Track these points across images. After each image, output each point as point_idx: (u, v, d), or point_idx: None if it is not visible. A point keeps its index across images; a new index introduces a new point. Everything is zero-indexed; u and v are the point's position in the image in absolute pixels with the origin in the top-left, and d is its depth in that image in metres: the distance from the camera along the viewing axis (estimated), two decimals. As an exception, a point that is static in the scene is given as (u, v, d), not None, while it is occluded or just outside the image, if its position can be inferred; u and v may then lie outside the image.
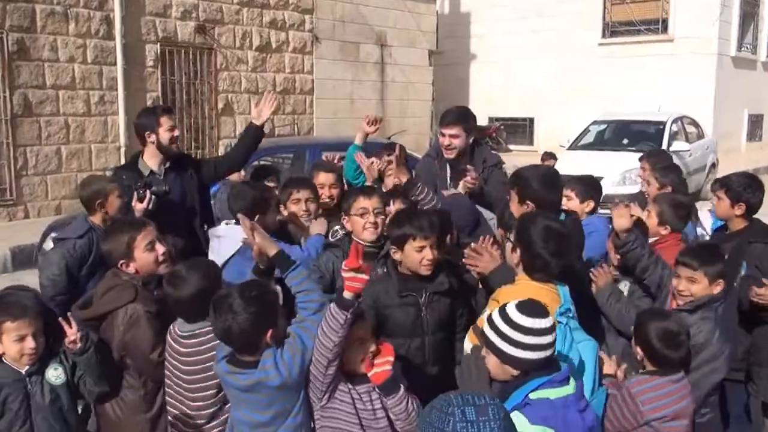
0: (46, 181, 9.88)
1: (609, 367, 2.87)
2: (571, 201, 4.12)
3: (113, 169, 8.85)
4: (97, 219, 3.67)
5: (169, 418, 2.85)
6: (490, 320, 2.21)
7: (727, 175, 4.03)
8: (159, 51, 11.00)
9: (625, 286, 3.48)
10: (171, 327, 2.85)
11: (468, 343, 2.67)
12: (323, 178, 4.00)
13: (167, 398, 2.84)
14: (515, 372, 2.17)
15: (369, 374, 2.47)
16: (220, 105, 11.96)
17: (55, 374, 2.76)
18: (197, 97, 11.69)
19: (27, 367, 2.69)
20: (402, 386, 2.50)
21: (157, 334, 2.87)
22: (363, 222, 3.20)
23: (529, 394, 2.13)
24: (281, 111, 12.96)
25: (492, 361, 2.21)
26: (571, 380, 2.22)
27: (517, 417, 2.04)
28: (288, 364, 2.39)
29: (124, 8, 10.34)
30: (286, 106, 13.11)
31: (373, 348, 2.50)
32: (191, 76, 11.56)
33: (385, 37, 15.05)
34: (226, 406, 2.71)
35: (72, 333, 2.68)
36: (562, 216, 3.27)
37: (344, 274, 2.35)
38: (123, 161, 9.96)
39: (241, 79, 12.30)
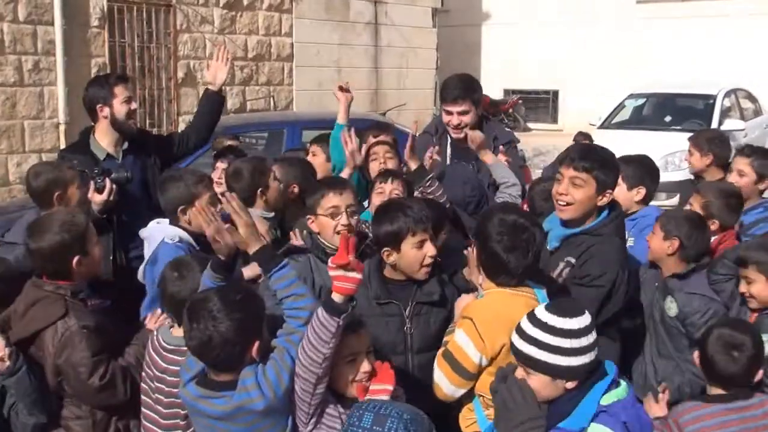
0: (-31, 165, 9.83)
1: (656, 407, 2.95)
2: (617, 187, 4.09)
3: (56, 151, 8.79)
4: None
5: None
6: (527, 337, 2.26)
7: None
8: (106, 8, 10.88)
9: (672, 302, 3.45)
10: (153, 336, 2.84)
11: (440, 372, 2.67)
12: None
13: (143, 421, 2.83)
14: (571, 384, 2.24)
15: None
16: (180, 74, 11.89)
17: None
18: (152, 64, 11.60)
19: None
20: None
21: (96, 353, 2.85)
22: (334, 224, 3.16)
23: (600, 401, 2.24)
24: (254, 81, 12.91)
25: (539, 381, 2.26)
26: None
27: (599, 430, 2.18)
28: (273, 383, 2.37)
29: (63, -45, 10.25)
30: (260, 76, 13.04)
31: (367, 368, 2.50)
32: (145, 39, 11.46)
33: (380, -8, 15.00)
34: None
35: None
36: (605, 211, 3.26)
37: (331, 273, 2.35)
38: (63, 141, 9.88)
39: (206, 42, 12.20)
